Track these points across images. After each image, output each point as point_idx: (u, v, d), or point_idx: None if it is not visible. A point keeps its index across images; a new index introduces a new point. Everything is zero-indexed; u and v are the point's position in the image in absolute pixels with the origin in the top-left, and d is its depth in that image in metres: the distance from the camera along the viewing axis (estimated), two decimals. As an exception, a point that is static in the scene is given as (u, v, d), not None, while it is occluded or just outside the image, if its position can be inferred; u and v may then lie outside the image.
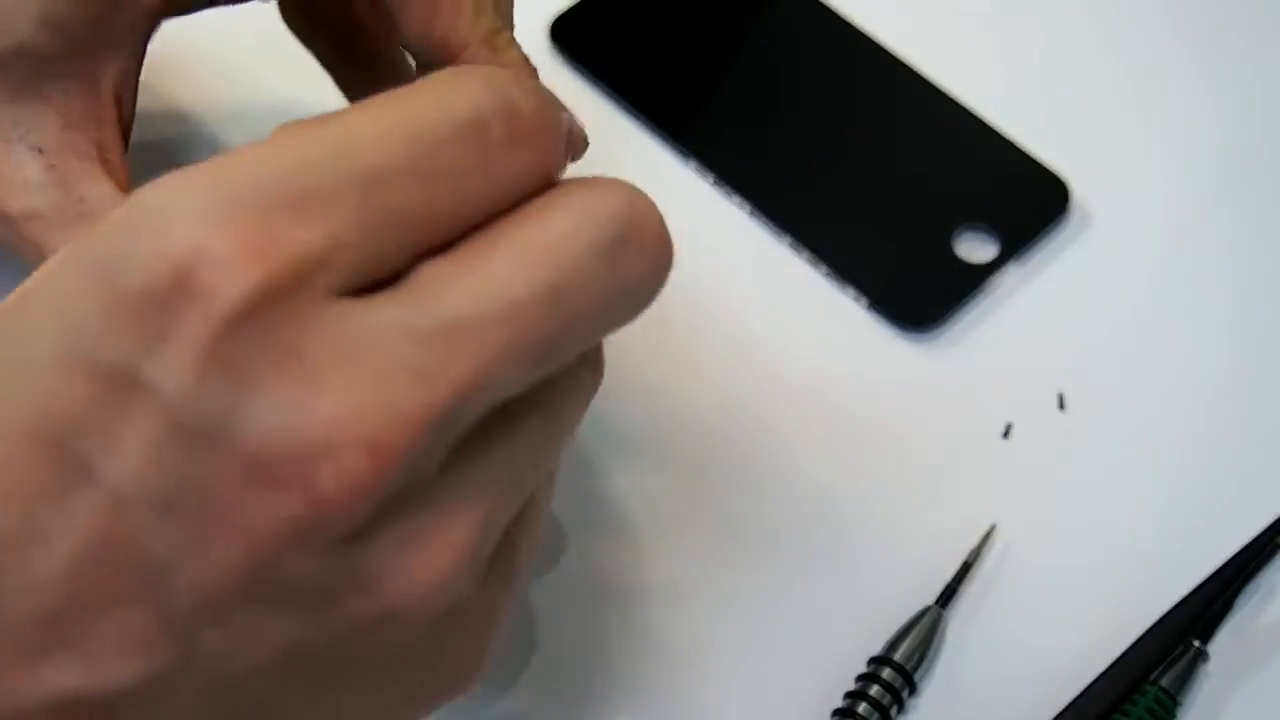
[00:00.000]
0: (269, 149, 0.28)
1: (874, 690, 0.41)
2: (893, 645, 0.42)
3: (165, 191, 0.27)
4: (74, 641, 0.27)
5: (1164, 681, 0.41)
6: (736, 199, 0.51)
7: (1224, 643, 0.42)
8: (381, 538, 0.27)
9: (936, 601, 0.43)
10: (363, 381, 0.26)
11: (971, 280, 0.49)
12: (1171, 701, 0.41)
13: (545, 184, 0.30)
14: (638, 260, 0.30)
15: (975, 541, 0.44)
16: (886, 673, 0.41)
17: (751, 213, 0.50)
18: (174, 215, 0.27)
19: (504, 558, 0.31)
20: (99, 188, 0.38)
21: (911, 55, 0.54)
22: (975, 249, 0.50)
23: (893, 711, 0.41)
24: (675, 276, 0.49)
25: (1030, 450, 0.46)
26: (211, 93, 0.51)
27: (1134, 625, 0.42)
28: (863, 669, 0.42)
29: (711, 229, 0.50)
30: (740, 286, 0.49)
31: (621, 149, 0.52)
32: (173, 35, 0.42)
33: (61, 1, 0.37)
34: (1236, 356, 0.48)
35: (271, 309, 0.26)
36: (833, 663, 0.42)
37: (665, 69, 0.54)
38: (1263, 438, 0.47)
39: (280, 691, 0.29)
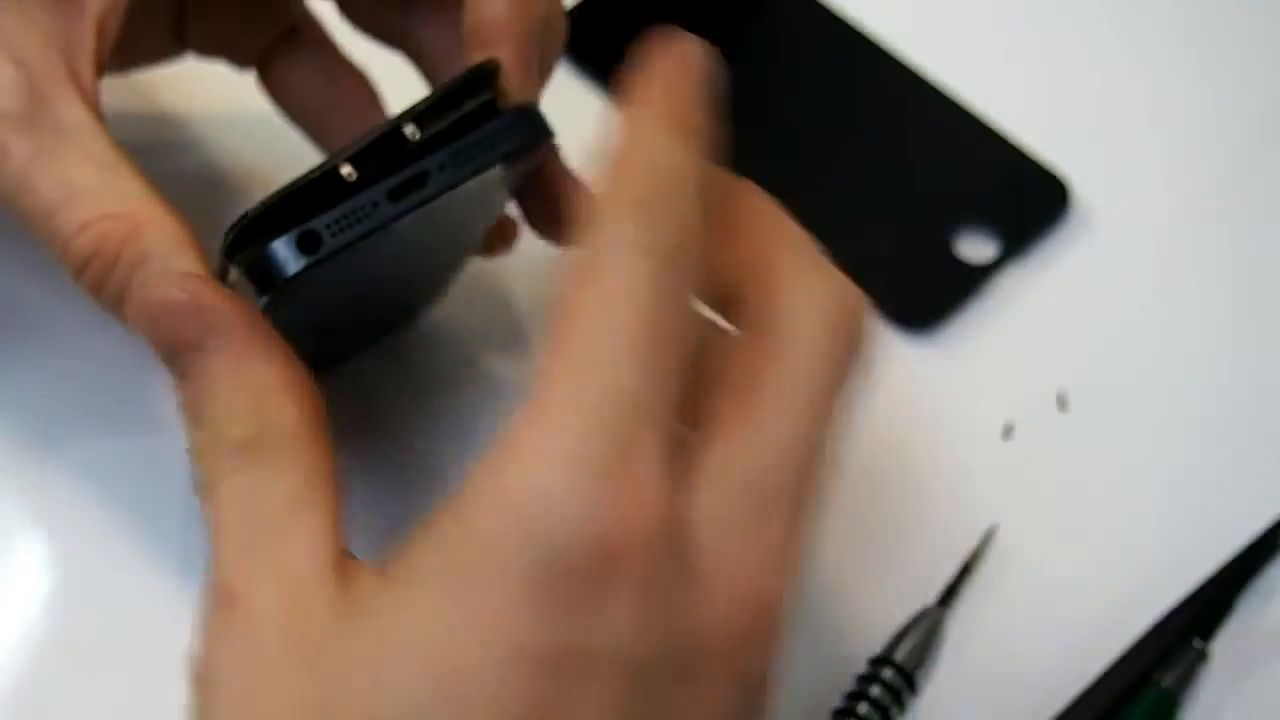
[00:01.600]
0: (572, 379, 0.30)
1: (874, 690, 0.41)
2: (893, 645, 0.42)
3: (535, 477, 0.29)
4: None
5: (1165, 681, 0.41)
6: (736, 199, 0.51)
7: (1225, 643, 0.42)
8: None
9: (936, 601, 0.43)
10: (739, 571, 0.31)
11: (971, 280, 0.49)
12: (1172, 701, 0.41)
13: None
14: (859, 365, 0.34)
15: (975, 541, 0.44)
16: (886, 673, 0.41)
17: (751, 213, 0.50)
18: (568, 499, 0.29)
19: None
20: (74, 110, 0.38)
21: (912, 55, 0.54)
22: (975, 249, 0.50)
23: (893, 711, 0.41)
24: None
25: (1030, 450, 0.46)
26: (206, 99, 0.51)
27: (1134, 625, 0.42)
28: (863, 669, 0.42)
29: (711, 229, 0.50)
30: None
31: (621, 149, 0.52)
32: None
33: None
34: (1237, 356, 0.48)
35: (668, 538, 0.29)
36: (833, 663, 0.42)
37: (665, 69, 0.54)
38: (1263, 438, 0.46)
39: None
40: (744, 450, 0.31)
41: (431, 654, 0.29)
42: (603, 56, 0.54)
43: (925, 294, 0.49)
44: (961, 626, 0.43)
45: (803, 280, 0.34)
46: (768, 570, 0.31)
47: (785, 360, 0.32)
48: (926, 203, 0.51)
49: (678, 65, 0.35)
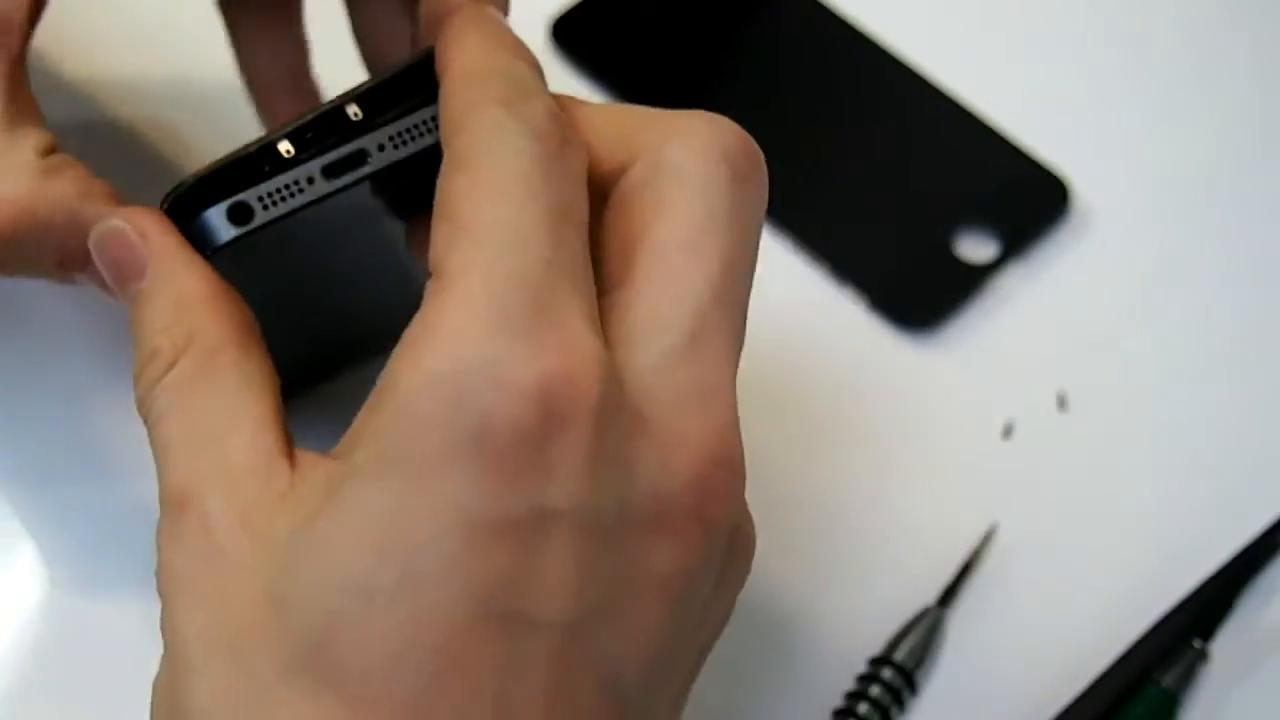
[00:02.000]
0: (476, 252, 0.30)
1: (874, 690, 0.41)
2: (893, 645, 0.42)
3: (454, 347, 0.29)
4: None
5: (1165, 681, 0.41)
6: (736, 199, 0.51)
7: (1224, 643, 0.42)
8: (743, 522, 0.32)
9: (936, 601, 0.43)
10: (690, 419, 0.30)
11: (971, 280, 0.49)
12: (1172, 701, 0.41)
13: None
14: (755, 190, 0.33)
15: (975, 541, 0.44)
16: (886, 673, 0.41)
17: (751, 213, 0.50)
18: (493, 364, 0.29)
19: None
20: None
21: (912, 55, 0.54)
22: (975, 249, 0.50)
23: (893, 711, 0.41)
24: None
25: (1030, 450, 0.46)
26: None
27: (1134, 625, 0.42)
28: (863, 669, 0.42)
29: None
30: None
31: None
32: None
33: None
34: (1236, 356, 0.48)
35: (609, 393, 0.29)
36: (833, 663, 0.42)
37: (665, 69, 0.54)
38: (1263, 437, 0.47)
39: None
40: (663, 297, 0.31)
41: (381, 533, 0.29)
42: (602, 56, 0.54)
43: (925, 294, 0.49)
44: (961, 626, 0.43)
45: (667, 128, 0.33)
46: (717, 412, 0.31)
47: (680, 200, 0.32)
48: (926, 203, 0.51)
49: (487, 11, 0.35)
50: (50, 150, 0.37)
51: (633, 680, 0.30)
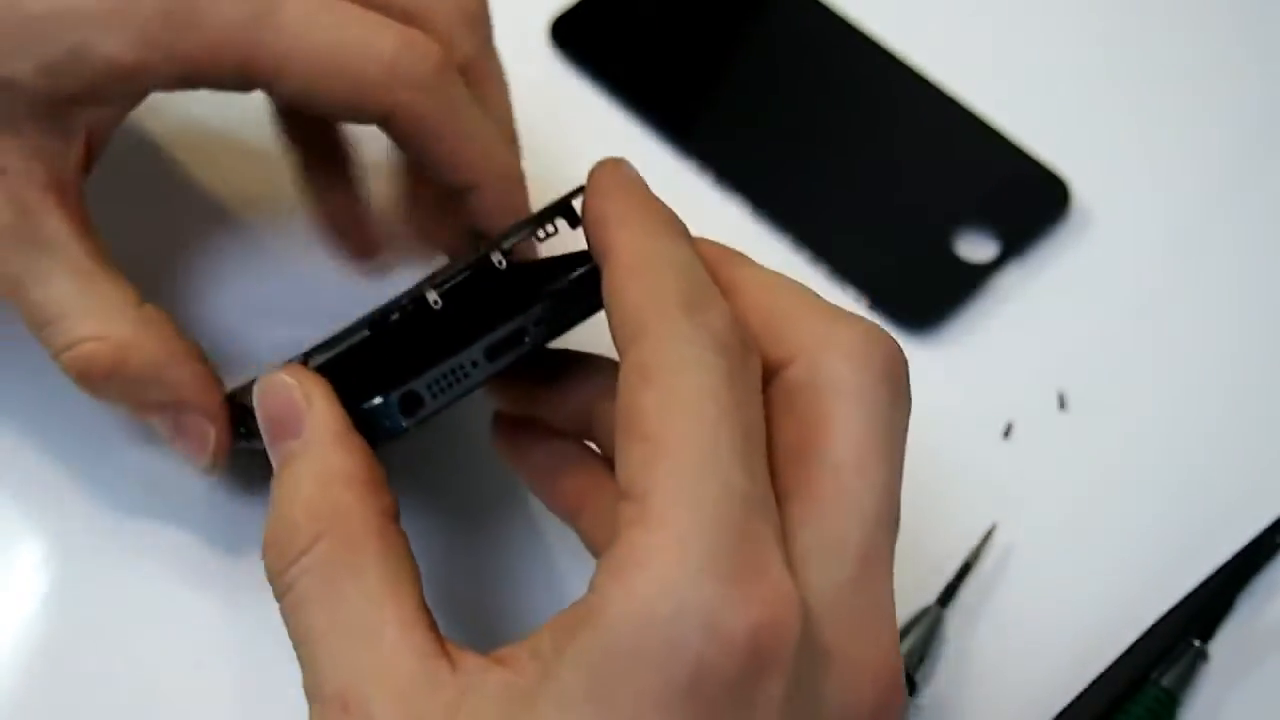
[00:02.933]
0: (677, 482, 0.30)
1: (874, 690, 0.41)
2: (893, 645, 0.42)
3: (668, 587, 0.29)
4: None
5: (1164, 681, 0.41)
6: (737, 198, 0.51)
7: (1224, 642, 0.42)
8: None
9: (936, 601, 0.43)
10: (866, 647, 0.32)
11: (971, 280, 0.49)
12: (1172, 700, 0.41)
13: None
14: (908, 404, 0.34)
15: (975, 541, 0.44)
16: (886, 672, 0.41)
17: (752, 212, 0.50)
18: (707, 611, 0.29)
19: None
20: (53, 220, 0.39)
21: (911, 55, 0.54)
22: (975, 249, 0.50)
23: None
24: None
25: (1030, 450, 0.46)
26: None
27: (1134, 625, 0.42)
28: (863, 669, 0.42)
29: (711, 228, 0.50)
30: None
31: (622, 149, 0.51)
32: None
33: (68, 58, 0.38)
34: (1236, 356, 0.48)
35: (806, 636, 0.30)
36: (833, 662, 0.42)
37: (665, 69, 0.54)
38: (1263, 437, 0.47)
39: None
40: (837, 521, 0.32)
41: None
42: (602, 56, 0.54)
43: (925, 294, 0.49)
44: (961, 626, 0.43)
45: (828, 333, 0.33)
46: (889, 636, 0.32)
47: (846, 418, 0.33)
48: (926, 202, 0.51)
49: (630, 177, 0.36)
50: (139, 301, 0.40)
51: None
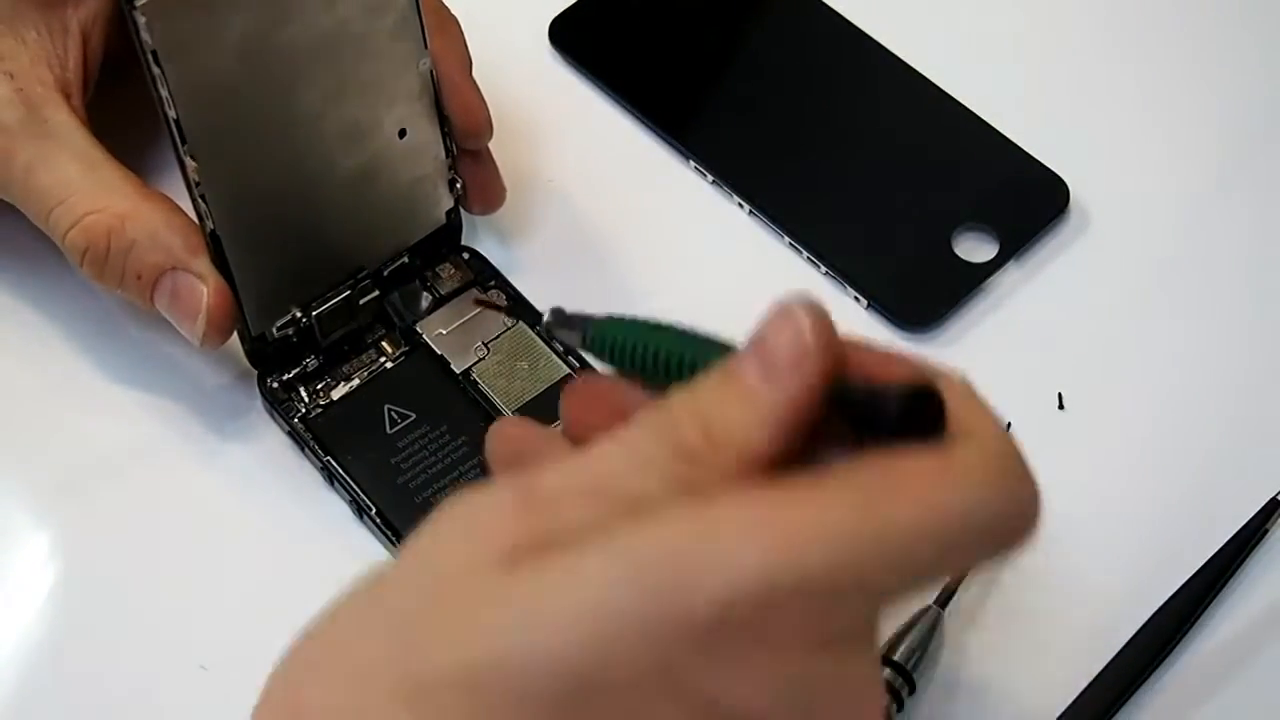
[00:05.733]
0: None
1: (873, 690, 0.41)
2: (892, 645, 0.42)
3: (709, 538, 0.28)
4: None
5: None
6: (736, 198, 0.51)
7: (1223, 642, 0.42)
8: None
9: (936, 601, 0.43)
10: None
11: (971, 280, 0.49)
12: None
13: None
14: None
15: (975, 541, 0.44)
16: (886, 673, 0.41)
17: (751, 212, 0.50)
18: (722, 549, 0.28)
19: None
20: (60, 114, 0.44)
21: (911, 56, 0.54)
22: (975, 249, 0.50)
23: (892, 710, 0.41)
24: (675, 276, 0.49)
25: (1030, 450, 0.46)
26: None
27: (1133, 624, 0.42)
28: (862, 669, 0.42)
29: (711, 229, 0.50)
30: (740, 286, 0.49)
31: (621, 149, 0.52)
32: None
33: None
34: (1235, 356, 0.48)
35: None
36: (832, 662, 0.42)
37: (664, 69, 0.54)
38: (1262, 438, 0.46)
39: None
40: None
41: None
42: (601, 56, 0.54)
43: (925, 293, 0.49)
44: (961, 626, 0.43)
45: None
46: None
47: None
48: (926, 202, 0.51)
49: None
50: (142, 185, 0.43)
51: None
